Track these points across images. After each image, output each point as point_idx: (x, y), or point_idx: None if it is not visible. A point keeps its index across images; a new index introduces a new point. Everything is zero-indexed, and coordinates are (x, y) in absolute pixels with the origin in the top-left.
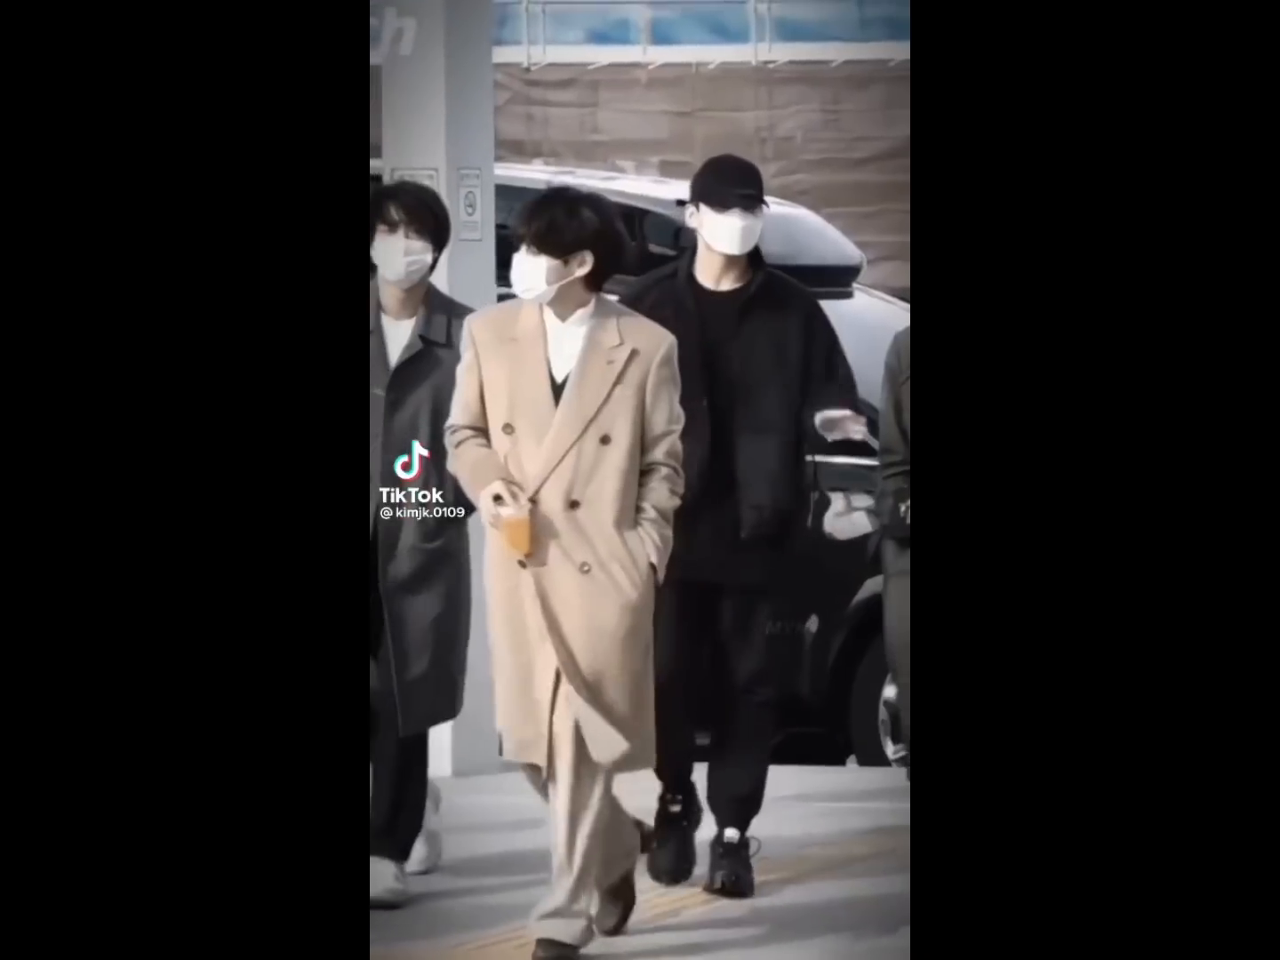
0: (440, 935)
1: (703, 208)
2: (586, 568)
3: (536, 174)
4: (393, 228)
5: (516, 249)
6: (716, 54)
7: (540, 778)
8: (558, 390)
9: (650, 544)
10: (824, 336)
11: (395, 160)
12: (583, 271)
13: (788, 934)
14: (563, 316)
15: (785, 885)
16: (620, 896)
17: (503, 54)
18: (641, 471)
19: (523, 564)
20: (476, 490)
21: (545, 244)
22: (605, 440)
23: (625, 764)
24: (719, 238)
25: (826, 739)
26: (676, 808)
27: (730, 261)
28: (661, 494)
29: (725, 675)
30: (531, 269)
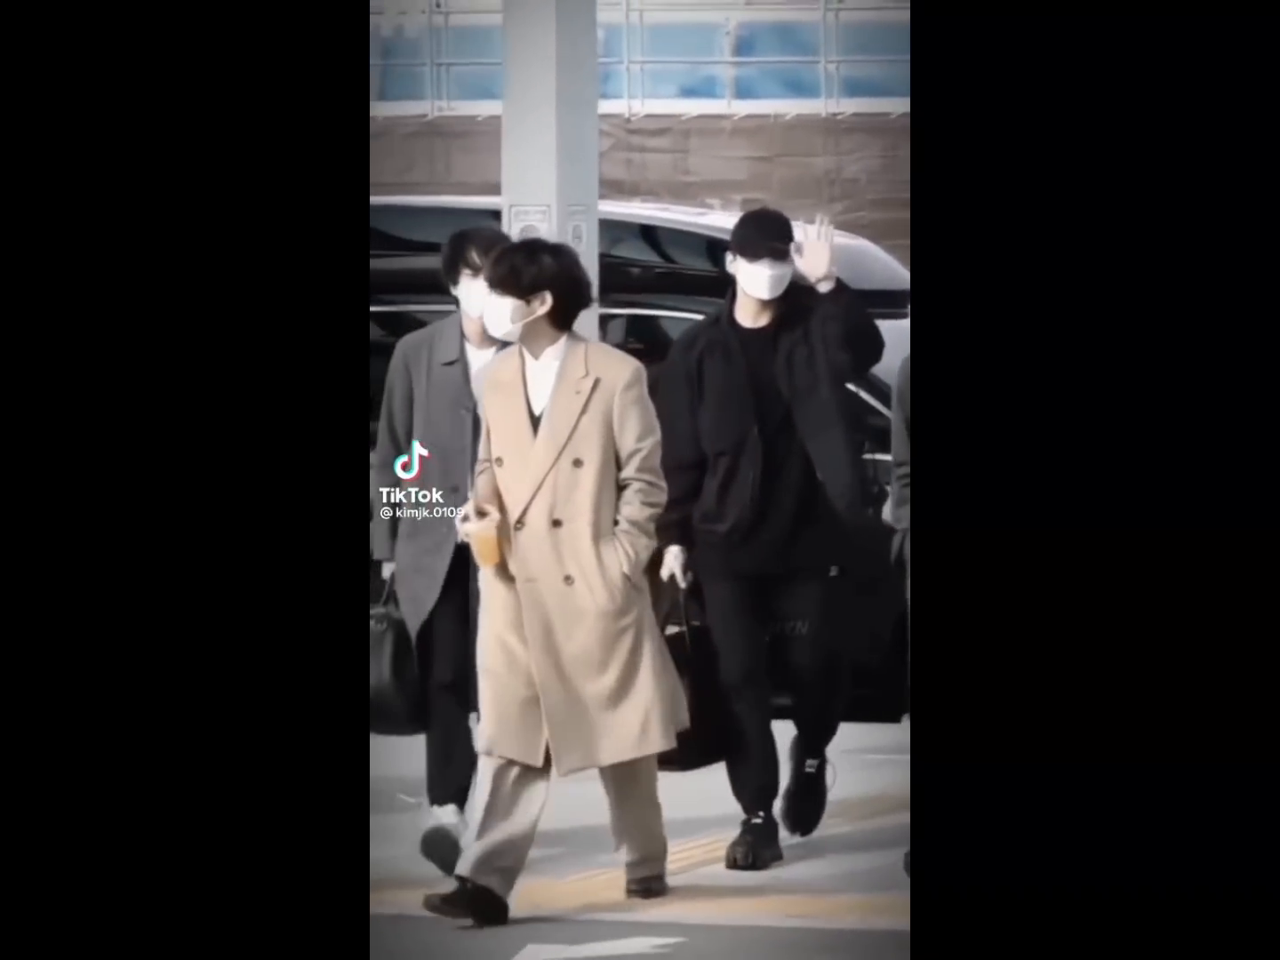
0: (543, 875)
1: (738, 258)
2: (570, 580)
3: (636, 210)
4: (475, 271)
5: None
6: (791, 107)
7: (512, 773)
8: (536, 423)
9: (622, 554)
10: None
11: (514, 197)
12: (543, 310)
13: (856, 872)
14: (536, 354)
15: (849, 823)
16: None
17: (606, 106)
18: (619, 487)
19: (511, 577)
20: None
21: (505, 285)
22: (578, 463)
23: (577, 765)
24: (751, 284)
25: (885, 700)
26: (758, 820)
27: (764, 304)
28: (635, 507)
29: (795, 636)
30: (498, 308)
